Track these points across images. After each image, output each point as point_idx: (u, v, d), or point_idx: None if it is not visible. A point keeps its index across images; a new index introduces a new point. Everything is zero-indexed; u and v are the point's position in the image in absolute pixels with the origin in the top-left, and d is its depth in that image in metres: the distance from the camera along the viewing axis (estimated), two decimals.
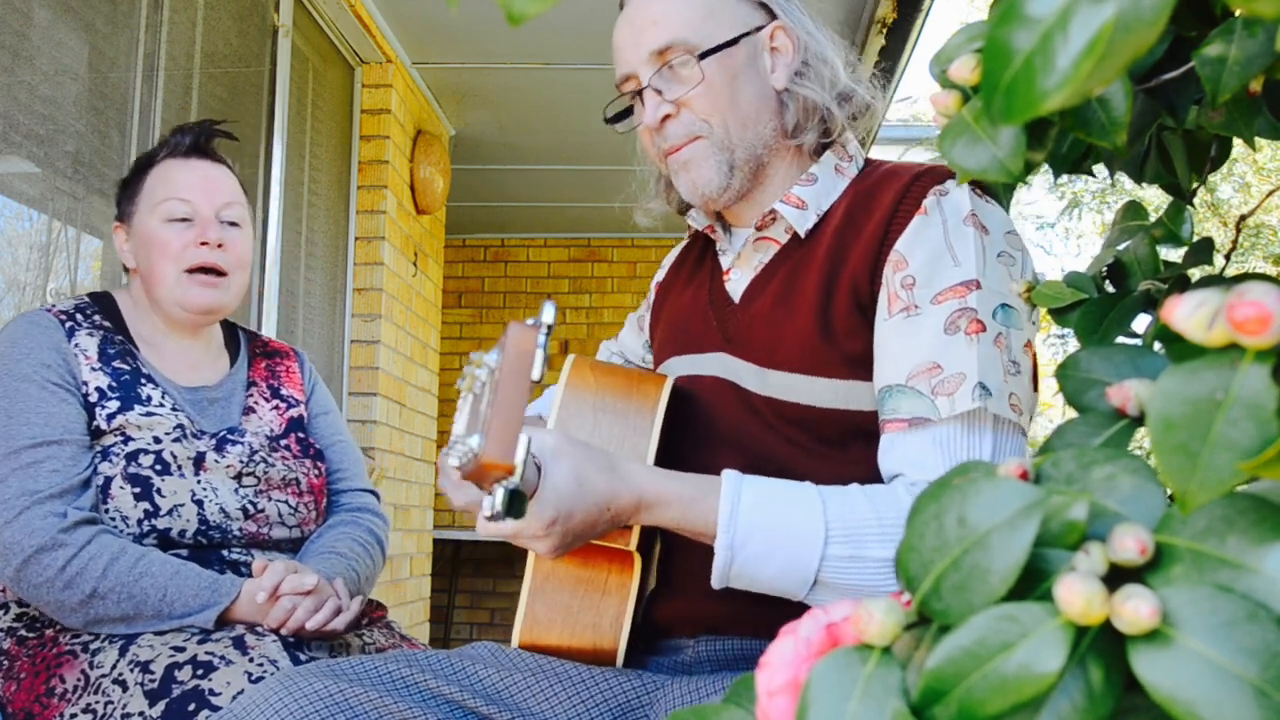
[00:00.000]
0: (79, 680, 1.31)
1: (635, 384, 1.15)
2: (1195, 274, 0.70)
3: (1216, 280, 0.65)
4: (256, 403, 1.62)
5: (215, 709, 1.20)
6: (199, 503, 1.44)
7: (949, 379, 1.01)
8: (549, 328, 0.78)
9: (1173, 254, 0.74)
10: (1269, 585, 0.36)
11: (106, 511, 1.41)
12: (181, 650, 1.29)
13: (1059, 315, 0.72)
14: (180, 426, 1.47)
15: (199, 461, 1.46)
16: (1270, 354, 0.35)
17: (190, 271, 1.53)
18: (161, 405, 1.48)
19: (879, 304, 1.07)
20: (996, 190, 1.06)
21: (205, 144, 1.61)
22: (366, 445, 3.62)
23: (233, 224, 1.58)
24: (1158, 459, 0.37)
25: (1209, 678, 0.34)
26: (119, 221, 1.61)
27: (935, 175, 1.10)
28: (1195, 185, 0.70)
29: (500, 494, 0.78)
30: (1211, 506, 0.37)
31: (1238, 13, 0.48)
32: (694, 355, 1.23)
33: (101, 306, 1.56)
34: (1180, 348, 0.37)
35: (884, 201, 1.10)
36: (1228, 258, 0.81)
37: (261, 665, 1.27)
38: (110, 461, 1.41)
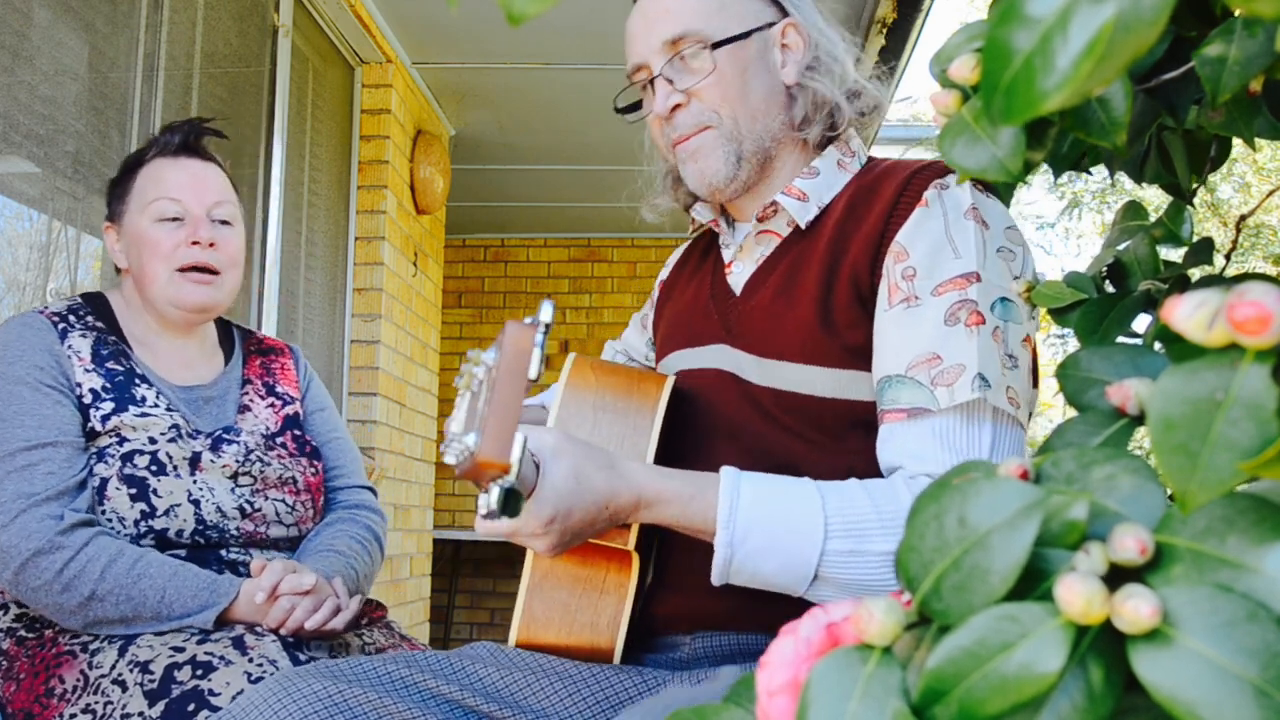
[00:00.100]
0: (78, 680, 1.31)
1: (635, 383, 1.15)
2: (1195, 274, 0.70)
3: (1216, 280, 0.65)
4: (252, 401, 1.62)
5: (215, 709, 1.19)
6: (195, 503, 1.44)
7: (949, 370, 1.01)
8: (547, 326, 0.79)
9: (1173, 254, 0.74)
10: (1269, 585, 0.36)
11: (103, 513, 1.40)
12: (181, 650, 1.29)
13: (1059, 315, 0.72)
14: (175, 427, 1.47)
15: (195, 461, 1.46)
16: (1270, 354, 0.35)
17: (182, 270, 1.53)
18: (156, 406, 1.48)
19: (879, 295, 1.08)
20: (998, 187, 1.06)
21: (195, 142, 1.60)
22: (366, 445, 3.62)
23: (224, 222, 1.57)
24: (1158, 459, 0.37)
25: (1209, 678, 0.34)
26: (109, 222, 1.60)
27: (936, 169, 1.11)
28: (1195, 185, 0.70)
29: (496, 492, 0.78)
30: (1211, 506, 0.37)
31: (1238, 13, 0.48)
32: (695, 349, 1.23)
33: (94, 307, 1.55)
34: (1180, 348, 0.37)
35: (885, 194, 1.11)
36: (1228, 258, 0.81)
37: (261, 665, 1.27)
38: (106, 463, 1.41)
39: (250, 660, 1.28)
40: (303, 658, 1.35)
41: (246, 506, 1.49)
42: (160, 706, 1.21)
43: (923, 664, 0.39)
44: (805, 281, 1.12)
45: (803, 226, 1.16)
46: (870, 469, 1.07)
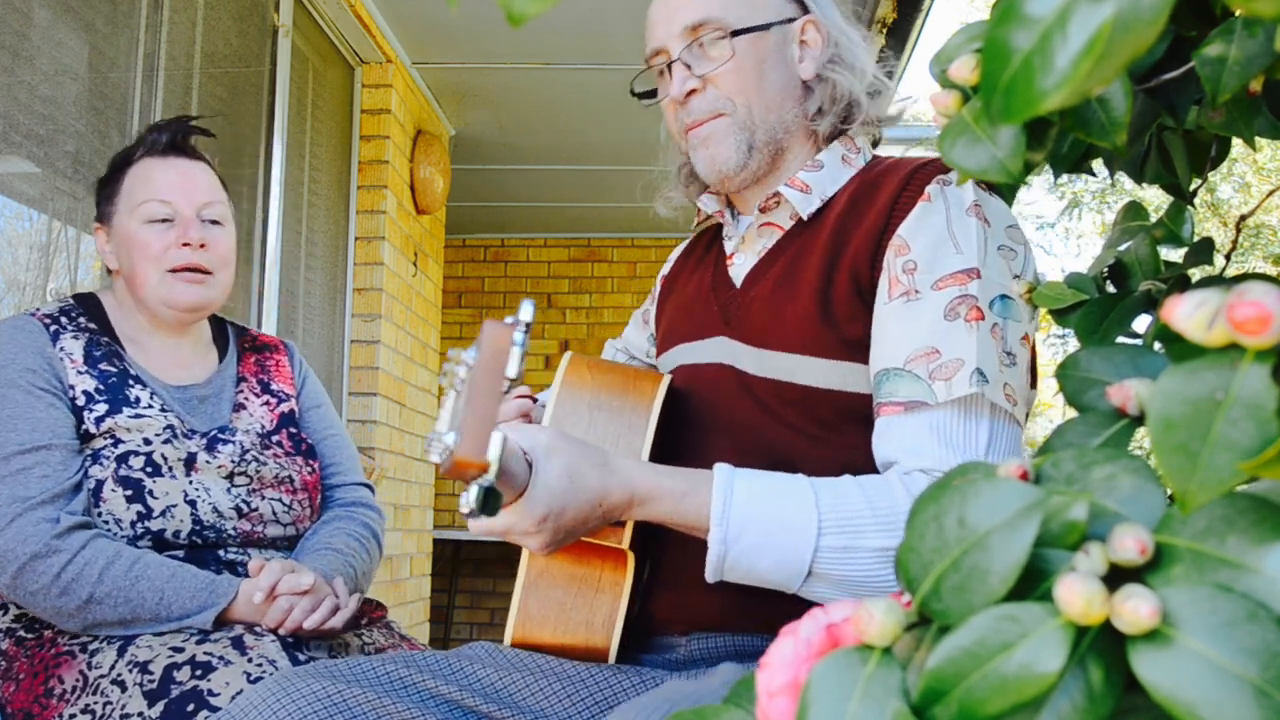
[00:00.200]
0: (77, 681, 1.31)
1: (631, 381, 1.15)
2: (1195, 274, 0.70)
3: (1216, 280, 0.65)
4: (247, 399, 1.61)
5: (214, 709, 1.19)
6: (192, 503, 1.44)
7: (947, 364, 1.01)
8: (526, 326, 0.79)
9: (1173, 254, 0.74)
10: (1269, 585, 0.36)
11: (99, 515, 1.40)
12: (180, 651, 1.29)
13: (1060, 316, 0.72)
14: (170, 427, 1.46)
15: (190, 462, 1.46)
16: (1270, 354, 0.35)
17: (174, 271, 1.52)
18: (150, 406, 1.47)
19: (879, 288, 1.08)
20: (1000, 185, 1.06)
21: (183, 141, 1.59)
22: (366, 445, 3.62)
23: (214, 222, 1.56)
24: (1158, 459, 0.37)
25: (1209, 678, 0.34)
26: (98, 223, 1.59)
27: (940, 165, 1.11)
28: (1195, 185, 0.70)
29: (475, 491, 0.78)
30: (1211, 506, 0.37)
31: (1238, 13, 0.48)
32: (695, 342, 1.24)
33: (86, 308, 1.55)
34: (1180, 348, 0.37)
35: (888, 188, 1.11)
36: (1228, 258, 0.81)
37: (260, 665, 1.27)
38: (101, 465, 1.41)
39: (249, 660, 1.28)
40: (302, 658, 1.35)
41: (243, 506, 1.48)
42: (160, 707, 1.21)
43: (923, 664, 0.39)
44: (806, 273, 1.12)
45: (804, 218, 1.16)
46: (868, 462, 1.07)
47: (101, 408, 1.44)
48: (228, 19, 2.94)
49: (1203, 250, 0.71)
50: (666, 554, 1.18)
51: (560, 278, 6.14)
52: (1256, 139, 0.59)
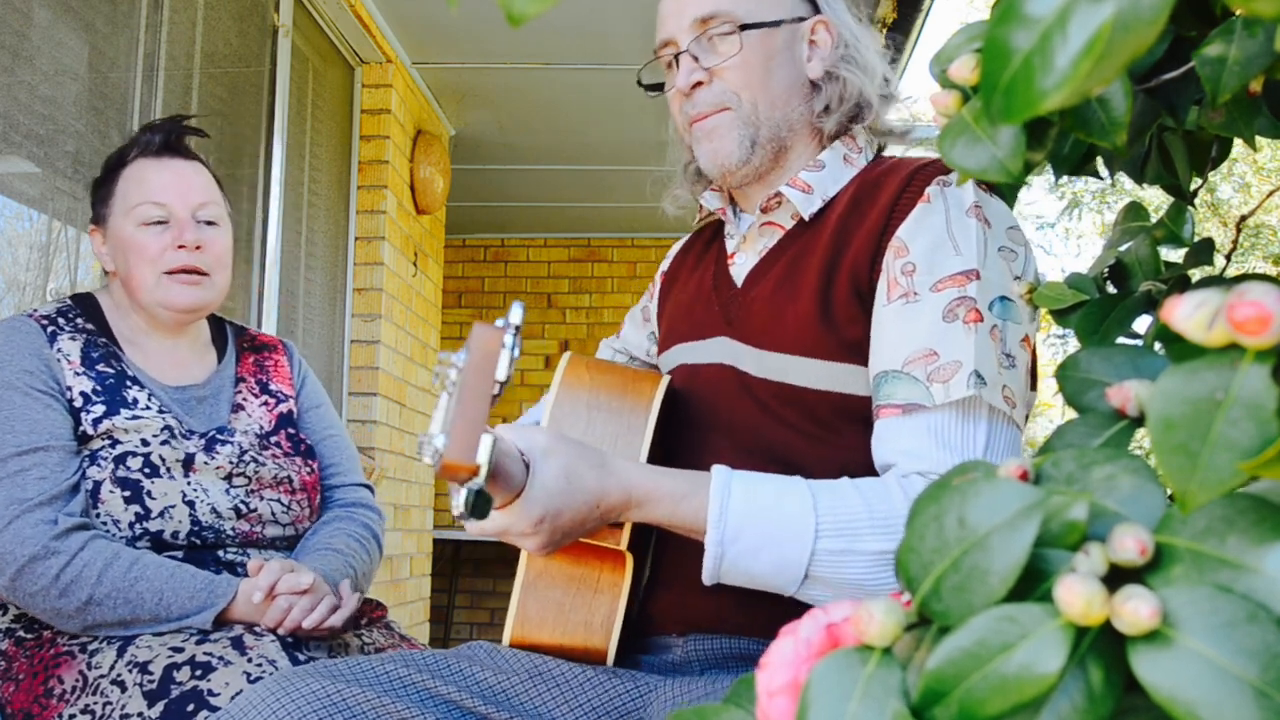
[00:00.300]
0: (77, 681, 1.31)
1: (630, 382, 1.15)
2: (1195, 274, 0.70)
3: (1216, 280, 0.65)
4: (245, 399, 1.61)
5: (214, 709, 1.19)
6: (190, 504, 1.44)
7: (945, 366, 1.01)
8: (516, 328, 0.79)
9: (1173, 254, 0.74)
10: (1269, 585, 0.35)
11: (98, 516, 1.40)
12: (180, 651, 1.29)
13: (1060, 316, 0.72)
14: (168, 428, 1.46)
15: (188, 463, 1.45)
16: (1270, 354, 0.35)
17: (170, 273, 1.51)
18: (148, 408, 1.47)
19: (878, 290, 1.07)
20: (1001, 187, 1.06)
21: (176, 141, 1.57)
22: (366, 445, 3.62)
23: (210, 223, 1.55)
24: (1158, 459, 0.37)
25: (1209, 678, 0.34)
26: (94, 225, 1.58)
27: (940, 166, 1.11)
28: (1196, 186, 0.70)
29: (464, 494, 0.78)
30: (1211, 506, 0.37)
31: (1238, 13, 0.48)
32: (696, 342, 1.24)
33: (84, 309, 1.54)
34: (1180, 348, 0.37)
35: (888, 189, 1.11)
36: (1228, 258, 0.81)
37: (260, 665, 1.27)
38: (99, 466, 1.40)
39: (249, 660, 1.28)
40: (302, 658, 1.35)
41: (242, 507, 1.48)
42: (159, 707, 1.21)
43: (923, 665, 0.39)
44: (806, 274, 1.12)
45: (806, 218, 1.16)
46: (867, 463, 1.06)
47: (99, 409, 1.43)
48: (228, 19, 2.94)
49: (1203, 250, 0.71)
50: (665, 555, 1.18)
51: (560, 278, 6.14)
52: (1256, 139, 0.59)
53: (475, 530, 0.94)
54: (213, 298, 1.56)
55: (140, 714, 1.22)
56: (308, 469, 1.60)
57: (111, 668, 1.29)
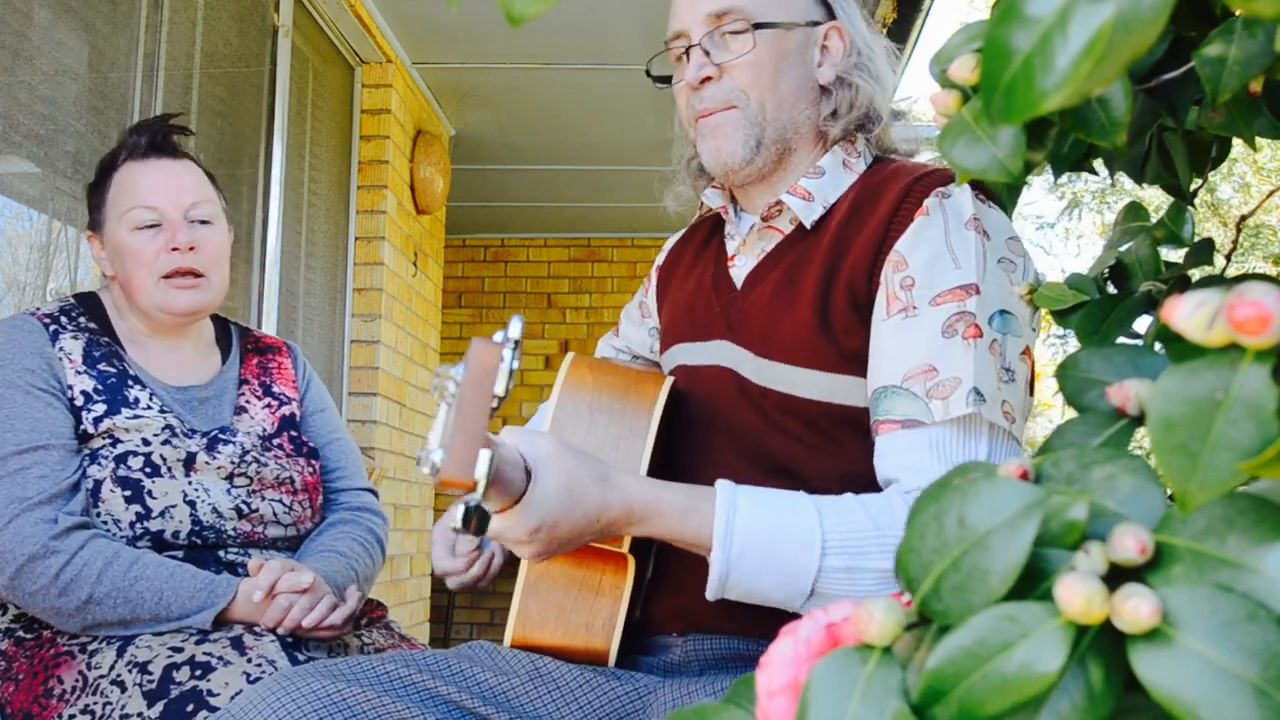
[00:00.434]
0: (77, 681, 1.31)
1: (633, 383, 1.15)
2: (1195, 274, 0.70)
3: (1216, 280, 0.65)
4: (249, 401, 1.60)
5: (213, 709, 1.19)
6: (191, 504, 1.43)
7: (944, 382, 1.00)
8: (515, 343, 0.78)
9: (1174, 254, 0.74)
10: (1269, 585, 0.36)
11: (98, 515, 1.40)
12: (179, 651, 1.29)
13: (1061, 316, 0.72)
14: (169, 427, 1.46)
15: (189, 463, 1.45)
16: (1270, 354, 0.35)
17: (167, 276, 1.50)
18: (149, 407, 1.47)
19: (876, 304, 1.07)
20: (1000, 195, 1.06)
21: (163, 141, 1.56)
22: (366, 445, 3.62)
23: (203, 222, 1.53)
24: (1158, 459, 0.37)
25: (1209, 678, 0.34)
26: (90, 231, 1.57)
27: (939, 177, 1.10)
28: (1196, 186, 0.70)
29: (461, 510, 0.78)
30: (1211, 506, 0.37)
31: (1238, 13, 0.48)
32: (698, 343, 1.23)
33: (87, 308, 1.54)
34: (1180, 348, 0.37)
35: (887, 199, 1.10)
36: (1228, 258, 0.81)
37: (259, 666, 1.27)
38: (99, 465, 1.40)
39: (249, 660, 1.28)
40: (301, 658, 1.35)
41: (243, 507, 1.48)
42: (159, 707, 1.21)
43: (923, 664, 0.39)
44: (805, 283, 1.12)
45: (808, 226, 1.15)
46: (868, 472, 1.06)
47: (100, 408, 1.43)
48: (228, 19, 2.94)
49: (1203, 250, 0.71)
50: (667, 557, 1.18)
51: (560, 278, 6.14)
52: (1256, 139, 0.59)
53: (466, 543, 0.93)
54: (211, 298, 1.56)
55: (140, 714, 1.22)
56: (310, 469, 1.60)
57: (111, 668, 1.29)
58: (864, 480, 1.06)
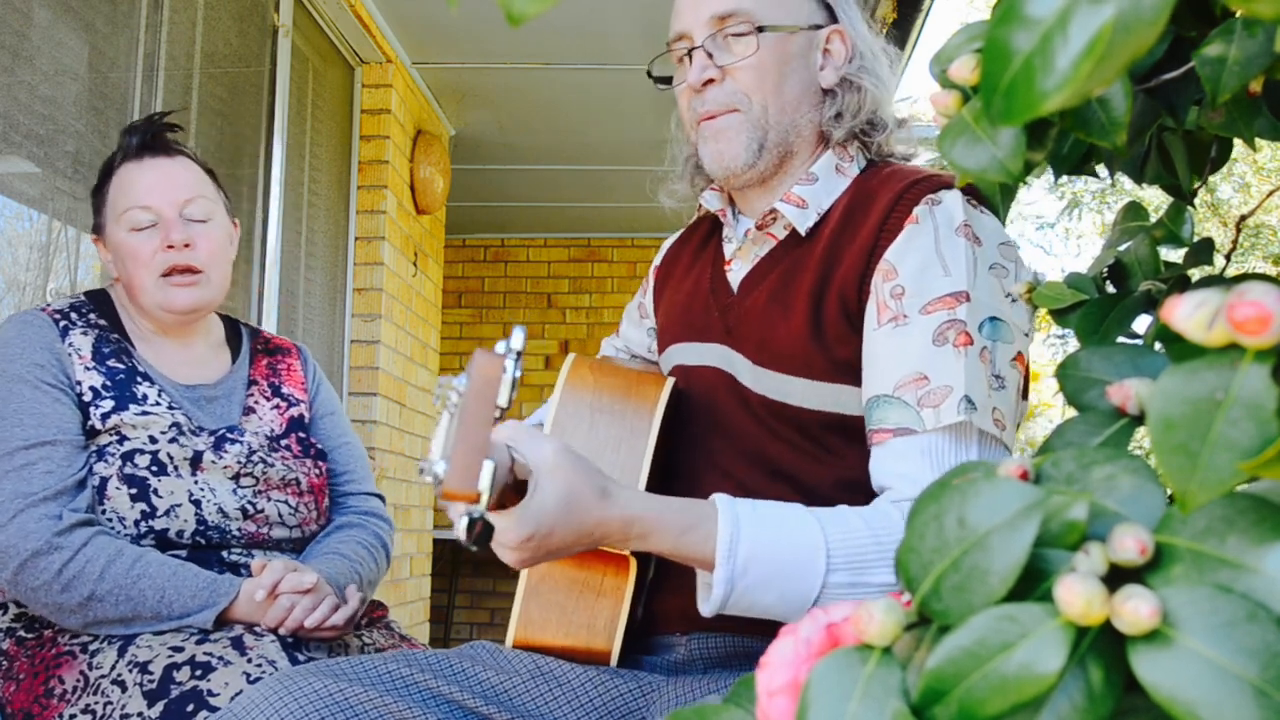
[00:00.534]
0: (78, 681, 1.31)
1: (634, 384, 1.15)
2: (1195, 274, 0.70)
3: (1216, 280, 0.65)
4: (257, 402, 1.60)
5: (214, 709, 1.19)
6: (196, 503, 1.43)
7: (935, 391, 1.01)
8: (518, 355, 0.78)
9: (1173, 254, 0.74)
10: (1269, 585, 0.36)
11: (104, 512, 1.40)
12: (180, 651, 1.29)
13: (1060, 316, 0.72)
14: (176, 425, 1.46)
15: (195, 461, 1.45)
16: (1270, 354, 0.35)
17: (165, 275, 1.50)
18: (158, 404, 1.47)
19: (867, 313, 1.07)
20: (994, 199, 1.06)
21: (155, 140, 1.55)
22: (366, 445, 3.63)
23: (199, 220, 1.53)
24: (1158, 459, 0.37)
25: (1209, 678, 0.34)
26: (94, 234, 1.57)
27: (931, 184, 1.10)
28: (1196, 186, 0.70)
29: (464, 521, 0.78)
30: (1211, 506, 0.37)
31: (1238, 13, 0.48)
32: (696, 344, 1.23)
33: (97, 304, 1.54)
34: (1180, 348, 0.37)
35: (878, 207, 1.10)
36: (1228, 258, 0.81)
37: (260, 666, 1.27)
38: (106, 462, 1.40)
39: (249, 661, 1.28)
40: (302, 658, 1.35)
41: (249, 507, 1.48)
42: (159, 707, 1.21)
43: (923, 664, 0.39)
44: (798, 291, 1.12)
45: (803, 233, 1.15)
46: (863, 480, 1.06)
47: (108, 404, 1.43)
48: (228, 19, 2.94)
49: (1203, 250, 0.71)
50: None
51: (560, 278, 6.14)
52: (1256, 139, 0.59)
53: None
54: (211, 295, 1.55)
55: (140, 714, 1.22)
56: (316, 471, 1.59)
57: (112, 667, 1.29)
58: (861, 487, 1.06)
